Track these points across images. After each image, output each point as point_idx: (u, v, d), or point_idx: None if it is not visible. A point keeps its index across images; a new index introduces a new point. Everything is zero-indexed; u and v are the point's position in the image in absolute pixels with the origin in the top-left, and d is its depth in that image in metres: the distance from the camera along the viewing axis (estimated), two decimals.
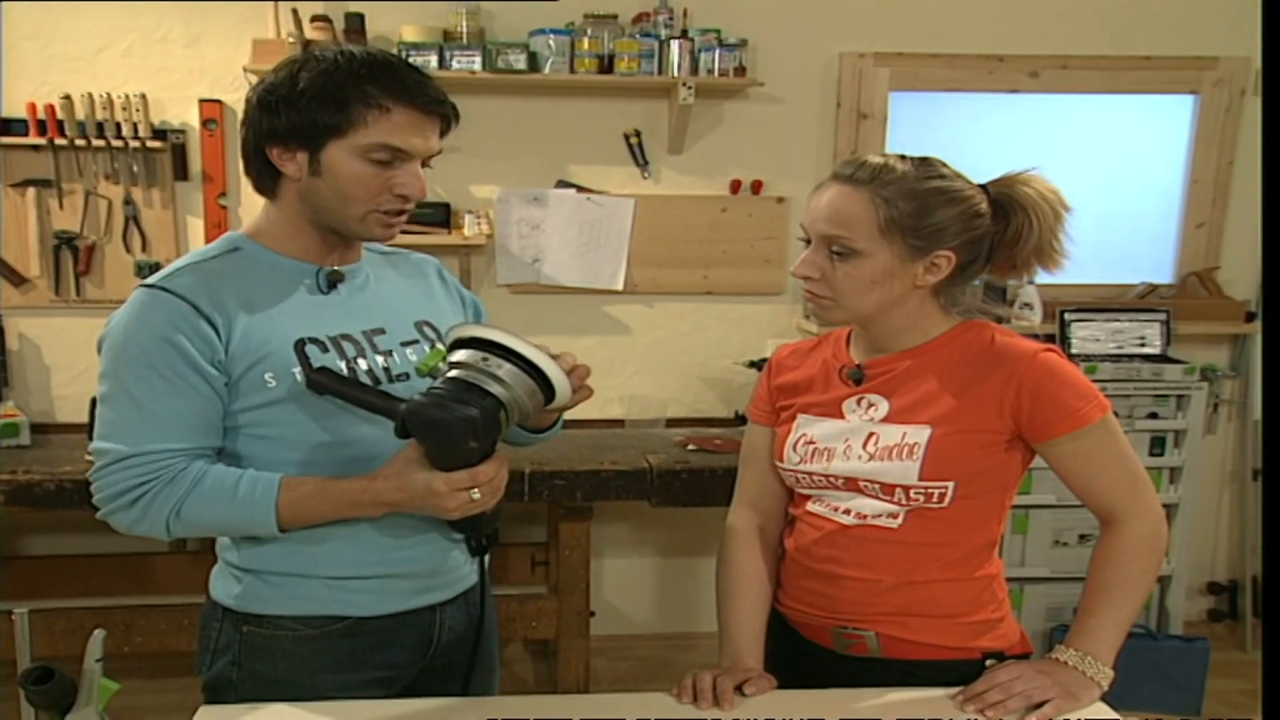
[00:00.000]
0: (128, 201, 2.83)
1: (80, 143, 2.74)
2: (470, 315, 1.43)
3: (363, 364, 1.21)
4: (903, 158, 1.20)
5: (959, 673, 1.22)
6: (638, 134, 2.97)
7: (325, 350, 1.19)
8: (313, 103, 1.11)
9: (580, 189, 2.98)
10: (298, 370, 1.16)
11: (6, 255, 2.82)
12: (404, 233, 2.81)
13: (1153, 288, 3.11)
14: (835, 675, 1.26)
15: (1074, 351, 2.79)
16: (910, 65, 3.01)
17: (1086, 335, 2.75)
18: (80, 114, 2.72)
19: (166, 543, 2.21)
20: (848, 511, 1.25)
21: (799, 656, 1.32)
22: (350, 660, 1.24)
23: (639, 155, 2.98)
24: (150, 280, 1.17)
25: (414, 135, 1.14)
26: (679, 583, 3.25)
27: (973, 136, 3.10)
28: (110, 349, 1.16)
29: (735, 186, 3.03)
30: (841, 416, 1.26)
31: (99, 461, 1.16)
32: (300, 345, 1.17)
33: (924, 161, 1.20)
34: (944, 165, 1.22)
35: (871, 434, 1.23)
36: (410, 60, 2.68)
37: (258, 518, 1.13)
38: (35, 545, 3.01)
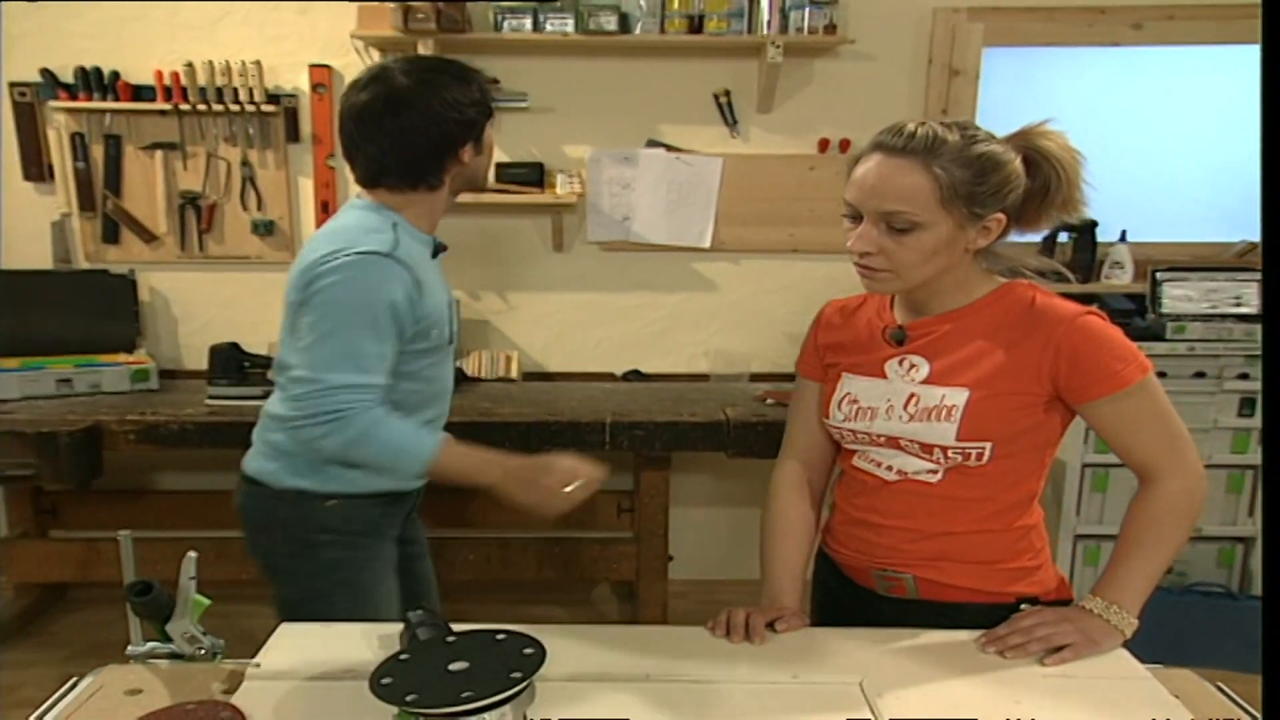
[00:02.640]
0: (244, 163, 3.01)
1: (201, 107, 2.92)
2: None
3: (455, 324, 1.63)
4: (941, 123, 1.19)
5: (993, 616, 1.25)
6: (727, 93, 3.00)
7: (453, 309, 1.60)
8: (481, 110, 1.55)
9: (670, 148, 3.04)
10: (448, 328, 1.56)
11: (137, 214, 3.03)
12: (499, 191, 2.94)
13: (1253, 245, 3.01)
14: (878, 615, 1.32)
15: (1164, 311, 2.74)
16: (1006, 19, 2.95)
17: (1179, 295, 2.69)
18: (201, 80, 2.90)
19: None
20: (890, 468, 1.29)
21: (846, 597, 1.38)
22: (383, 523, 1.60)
23: (728, 114, 3.01)
24: (378, 249, 1.42)
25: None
26: (754, 531, 3.32)
27: (1068, 92, 3.03)
28: (338, 298, 1.40)
29: (823, 145, 3.04)
30: (884, 376, 1.29)
31: (306, 387, 1.40)
32: (454, 305, 1.60)
33: (962, 126, 1.19)
34: (977, 127, 1.21)
35: (912, 395, 1.25)
36: (506, 22, 2.80)
37: (413, 466, 1.47)
38: (164, 481, 3.27)
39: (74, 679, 1.11)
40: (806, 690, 1.09)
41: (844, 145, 3.03)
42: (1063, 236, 2.93)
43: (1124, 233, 2.92)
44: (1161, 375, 2.77)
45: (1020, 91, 3.03)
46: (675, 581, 2.84)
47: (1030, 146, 1.20)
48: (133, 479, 3.23)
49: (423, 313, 1.48)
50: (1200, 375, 2.70)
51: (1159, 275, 2.74)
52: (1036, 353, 1.20)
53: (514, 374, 3.05)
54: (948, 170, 1.15)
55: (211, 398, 2.68)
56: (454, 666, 0.96)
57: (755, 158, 3.05)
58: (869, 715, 1.03)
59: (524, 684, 0.93)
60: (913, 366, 1.27)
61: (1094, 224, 2.89)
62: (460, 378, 2.84)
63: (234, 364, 2.68)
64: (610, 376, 3.17)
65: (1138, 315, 2.76)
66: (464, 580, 2.79)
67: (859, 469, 1.34)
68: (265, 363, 2.74)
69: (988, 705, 1.05)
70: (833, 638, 1.22)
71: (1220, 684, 1.15)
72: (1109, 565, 1.24)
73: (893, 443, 1.28)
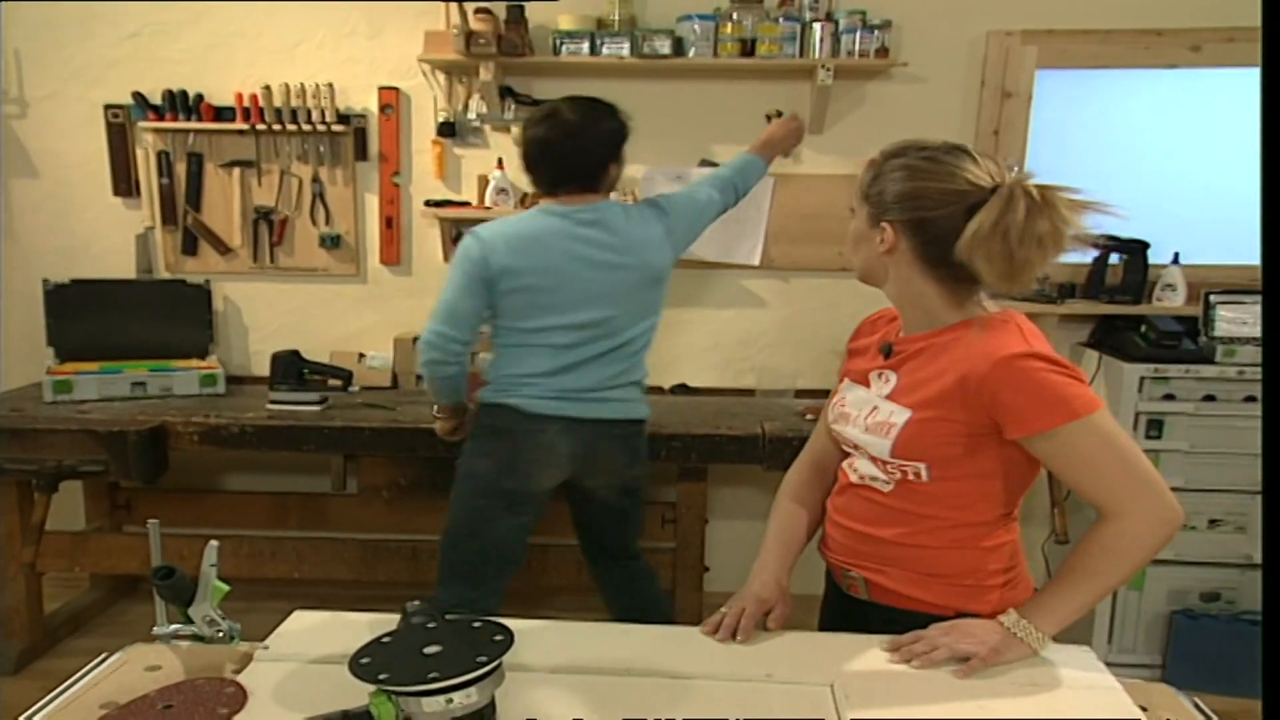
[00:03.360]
0: (315, 180, 3.17)
1: (277, 127, 3.09)
2: None
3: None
4: (956, 145, 1.25)
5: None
6: (779, 114, 3.05)
7: None
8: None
9: None
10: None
11: (214, 227, 3.21)
12: None
13: None
14: (842, 613, 1.41)
15: (1216, 334, 2.70)
16: (1060, 42, 2.96)
17: (1232, 318, 2.65)
18: (277, 102, 3.06)
19: (331, 486, 2.67)
20: (855, 470, 1.37)
21: (832, 594, 1.47)
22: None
23: None
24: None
25: None
26: None
27: (1122, 115, 3.02)
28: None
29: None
30: (868, 385, 1.37)
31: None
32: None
33: (953, 149, 1.24)
34: (969, 155, 1.23)
35: (875, 407, 1.32)
36: (564, 46, 2.90)
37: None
38: (231, 482, 3.42)
39: (104, 654, 1.21)
40: (777, 691, 1.13)
41: None
42: (1114, 258, 2.91)
43: (1176, 255, 2.89)
44: (1210, 399, 2.76)
45: (1073, 114, 3.03)
46: (711, 593, 2.87)
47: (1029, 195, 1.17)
48: (201, 479, 3.39)
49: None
50: (1251, 399, 2.65)
51: (1212, 298, 2.70)
52: (967, 386, 1.20)
53: None
54: (886, 169, 1.26)
55: (272, 402, 2.82)
56: (428, 650, 1.00)
57: (806, 178, 3.10)
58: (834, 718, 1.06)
59: (488, 667, 0.96)
60: (886, 380, 1.33)
61: (1146, 246, 2.87)
62: None
63: (294, 370, 2.82)
64: (658, 390, 3.23)
65: (1187, 338, 2.73)
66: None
67: (843, 469, 1.42)
68: (323, 370, 2.87)
69: (950, 710, 1.08)
70: (816, 641, 1.27)
71: (1198, 700, 1.15)
72: (1043, 589, 1.26)
73: (859, 448, 1.35)
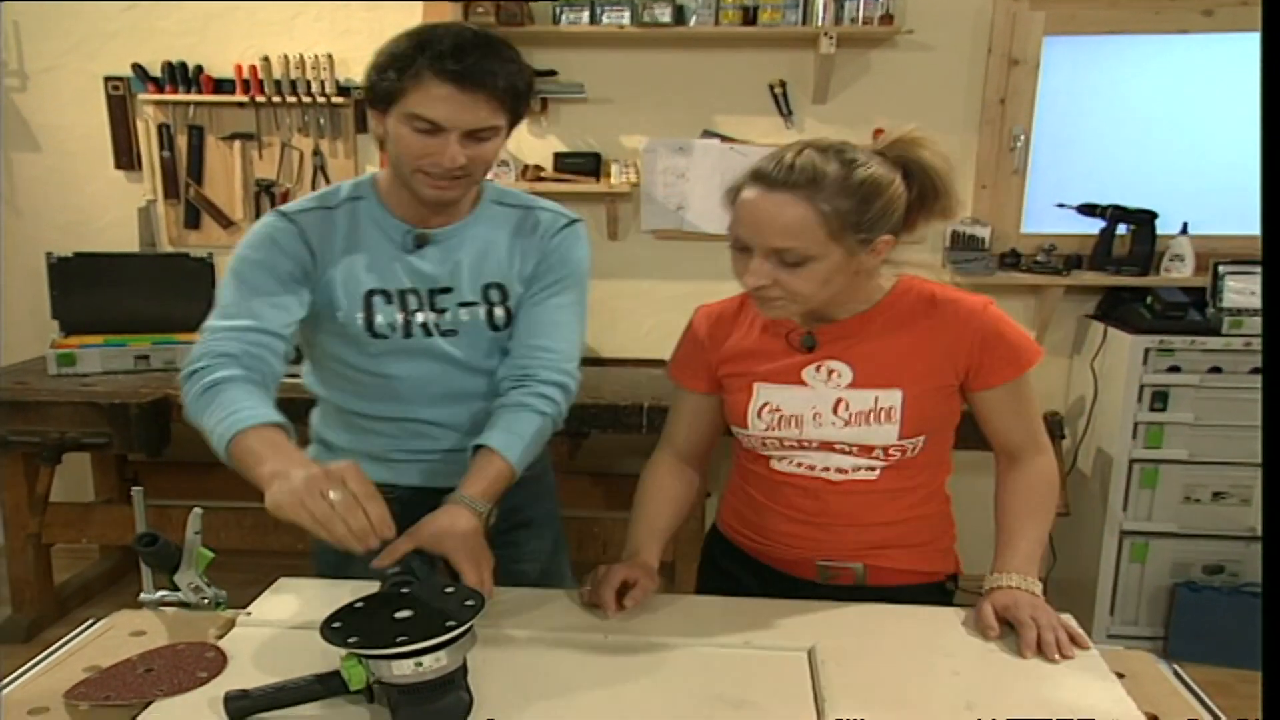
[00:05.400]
0: (316, 152, 3.16)
1: (277, 100, 3.07)
2: (550, 278, 1.46)
3: (419, 317, 1.41)
4: (820, 150, 1.17)
5: (929, 595, 1.35)
6: (782, 84, 3.02)
7: (389, 302, 1.40)
8: (386, 71, 1.26)
9: (724, 139, 3.07)
10: (360, 316, 1.39)
11: (216, 200, 3.21)
12: (556, 180, 3.02)
13: None
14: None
15: (1224, 305, 2.67)
16: (1068, 8, 2.91)
17: (1241, 288, 2.62)
18: (277, 73, 3.05)
19: None
20: (826, 469, 1.31)
21: (778, 591, 1.35)
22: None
23: (783, 105, 3.03)
24: (284, 209, 1.41)
25: (446, 108, 1.24)
26: None
27: (1132, 82, 2.96)
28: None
29: (878, 136, 3.02)
30: (803, 384, 1.30)
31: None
32: (369, 295, 1.39)
33: (840, 150, 1.18)
34: (854, 147, 1.19)
35: (840, 400, 1.27)
36: (564, 15, 2.86)
37: (217, 442, 1.21)
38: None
39: (91, 620, 1.22)
40: (754, 656, 1.14)
41: None
42: (1121, 228, 2.87)
43: (1185, 225, 2.85)
44: (1216, 371, 2.74)
45: (1081, 82, 2.98)
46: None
47: (906, 157, 1.20)
48: (208, 451, 3.40)
49: (322, 288, 1.39)
50: (1258, 371, 2.62)
51: (1221, 268, 2.67)
52: (951, 344, 1.26)
53: None
54: (832, 202, 1.14)
55: None
56: (400, 615, 1.01)
57: None
58: (811, 683, 1.07)
59: (457, 631, 0.97)
60: (833, 372, 1.29)
61: (1153, 216, 2.83)
62: None
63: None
64: (660, 363, 3.17)
65: (1194, 309, 2.70)
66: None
67: (785, 473, 1.35)
68: None
69: (927, 676, 1.09)
70: (792, 609, 1.26)
71: (1177, 667, 1.16)
72: (1004, 541, 1.28)
73: (826, 446, 1.30)
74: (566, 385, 1.43)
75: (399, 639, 0.94)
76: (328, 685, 0.99)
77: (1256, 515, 2.72)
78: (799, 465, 1.33)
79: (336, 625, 1.01)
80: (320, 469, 1.08)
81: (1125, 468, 2.75)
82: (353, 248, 1.40)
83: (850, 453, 1.30)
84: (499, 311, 1.44)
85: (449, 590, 1.09)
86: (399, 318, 1.40)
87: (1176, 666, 1.16)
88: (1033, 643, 1.14)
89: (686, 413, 1.45)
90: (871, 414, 1.26)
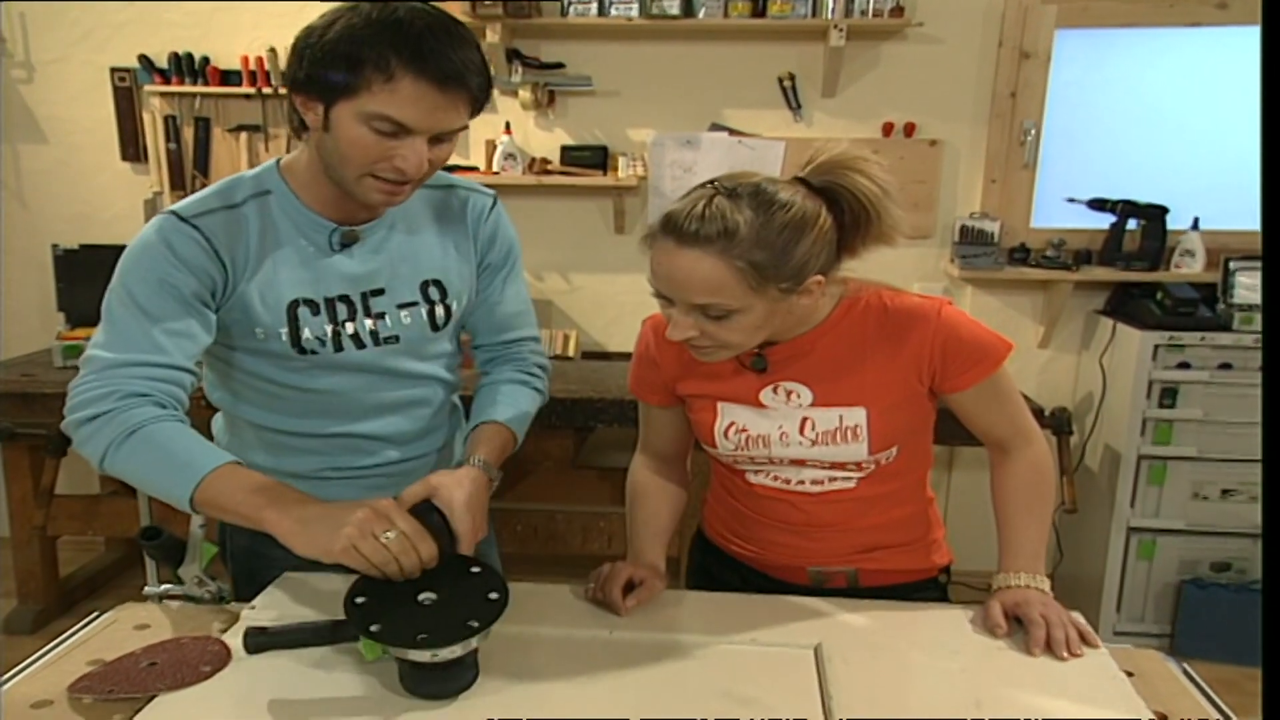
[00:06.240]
0: None
1: (283, 91, 3.05)
2: (497, 260, 1.40)
3: (350, 327, 1.24)
4: (732, 195, 1.07)
5: (924, 590, 1.34)
6: (791, 77, 3.00)
7: (316, 313, 1.23)
8: (331, 58, 1.06)
9: (733, 132, 3.05)
10: (284, 331, 1.21)
11: None
12: (563, 174, 3.00)
13: None
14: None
15: (1235, 301, 2.65)
16: (1080, 1, 2.88)
17: (1251, 284, 2.60)
18: (283, 65, 3.02)
19: None
20: (803, 481, 1.29)
21: (770, 591, 1.33)
22: None
23: (792, 98, 3.02)
24: (179, 210, 1.18)
25: (420, 110, 1.07)
26: None
27: (1143, 76, 2.94)
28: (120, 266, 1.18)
29: (888, 129, 3.02)
30: (761, 405, 1.25)
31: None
32: (293, 306, 1.21)
33: (755, 192, 1.08)
34: (770, 183, 1.10)
35: (806, 419, 1.23)
36: (572, 7, 2.84)
37: (175, 491, 1.09)
38: None
39: (96, 613, 1.21)
40: (760, 653, 1.12)
41: (909, 129, 3.00)
42: (1131, 224, 2.85)
43: (1196, 220, 2.83)
44: (1226, 367, 2.72)
45: (1093, 75, 2.95)
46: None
47: (833, 184, 1.11)
48: None
49: (237, 301, 1.21)
50: None
51: (1232, 264, 2.65)
52: (910, 355, 1.20)
53: (572, 353, 3.12)
54: (747, 256, 1.06)
55: None
56: (423, 597, 1.02)
57: (818, 142, 3.03)
58: (817, 680, 1.06)
59: (478, 636, 0.97)
60: (791, 392, 1.24)
61: (1164, 211, 2.81)
62: None
63: None
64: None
65: (1204, 305, 2.68)
66: (509, 552, 2.86)
67: (763, 486, 1.32)
68: None
69: (934, 674, 1.08)
70: (797, 606, 1.24)
71: (1187, 665, 1.14)
72: (1006, 538, 1.26)
73: (797, 463, 1.27)
74: (548, 368, 1.48)
75: (420, 637, 0.95)
76: (341, 631, 1.02)
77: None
78: (775, 479, 1.30)
79: (360, 602, 1.02)
80: (367, 508, 1.03)
81: (1133, 464, 2.73)
82: (268, 252, 1.20)
83: (822, 466, 1.27)
84: (439, 310, 1.32)
85: (475, 571, 1.09)
86: (328, 330, 1.24)
87: (1186, 665, 1.15)
88: (1042, 640, 1.12)
89: (656, 424, 1.41)
90: (837, 432, 1.22)
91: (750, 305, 1.10)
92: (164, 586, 1.25)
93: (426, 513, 1.12)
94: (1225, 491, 2.73)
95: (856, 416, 1.22)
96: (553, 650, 1.12)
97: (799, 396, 1.24)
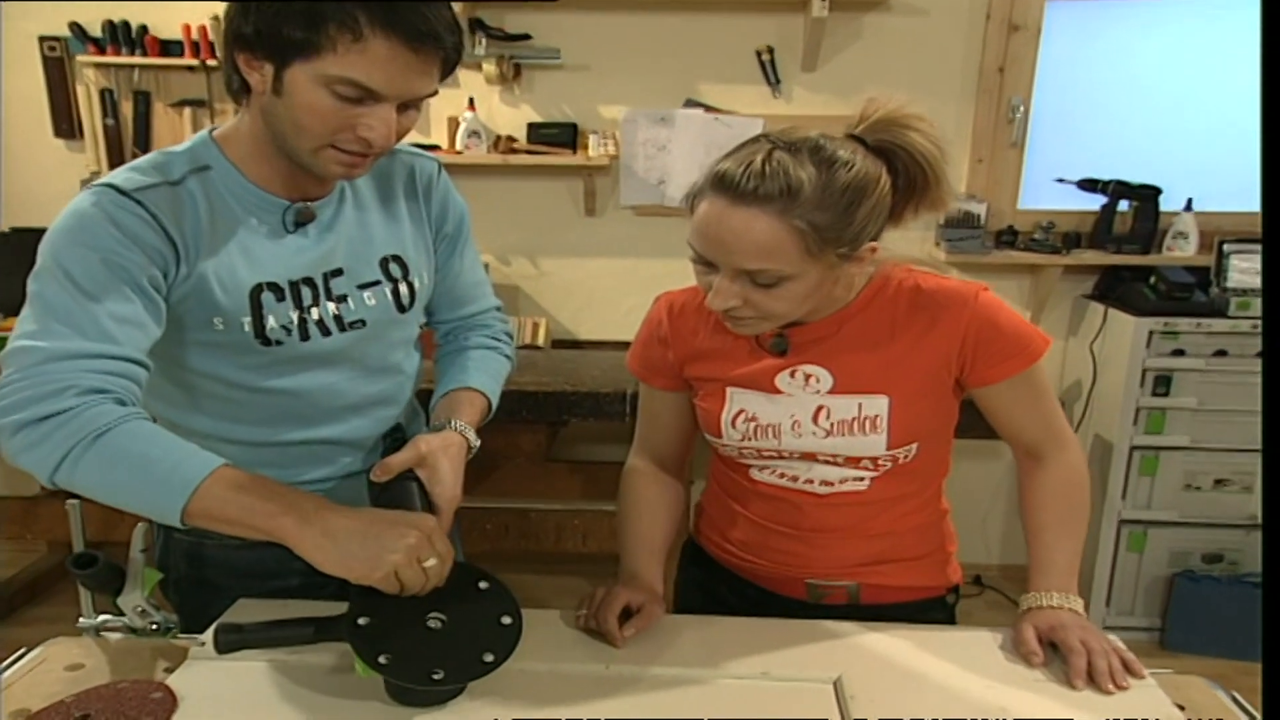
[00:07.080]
0: None
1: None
2: (452, 229, 1.30)
3: (315, 313, 1.13)
4: (792, 149, 0.99)
5: (930, 611, 1.25)
6: (770, 51, 2.86)
7: (281, 299, 1.10)
8: (286, 12, 0.93)
9: (709, 109, 2.91)
10: (247, 320, 1.08)
11: None
12: (530, 152, 2.84)
13: None
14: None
15: (1229, 285, 2.57)
16: None
17: (1247, 268, 2.52)
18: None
19: None
20: (810, 480, 1.20)
21: (764, 612, 1.24)
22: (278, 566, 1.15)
23: (771, 73, 2.88)
24: (116, 184, 1.02)
25: (391, 73, 0.96)
26: None
27: (1137, 50, 2.83)
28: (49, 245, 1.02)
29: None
30: (777, 391, 1.17)
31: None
32: (256, 292, 1.09)
33: (816, 149, 1.00)
34: (827, 139, 1.02)
35: (821, 407, 1.15)
36: None
37: (161, 503, 0.93)
38: None
39: (23, 650, 1.08)
40: (775, 688, 1.02)
41: None
42: (1123, 205, 2.76)
43: (1190, 201, 2.74)
44: (1221, 354, 2.65)
45: (1084, 49, 2.84)
46: None
47: (895, 143, 1.04)
48: None
49: (191, 289, 1.06)
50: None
51: (1226, 247, 2.57)
52: (943, 341, 1.13)
53: (541, 342, 2.98)
54: (809, 217, 0.98)
55: None
56: (431, 622, 0.95)
57: (798, 119, 2.90)
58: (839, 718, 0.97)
59: (494, 668, 0.92)
60: (810, 377, 1.15)
61: (1157, 191, 2.72)
62: None
63: None
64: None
65: (1198, 289, 2.60)
66: (480, 551, 2.75)
67: (766, 484, 1.23)
68: None
69: (969, 711, 0.98)
70: (813, 632, 1.15)
71: (1236, 695, 1.06)
72: (1037, 554, 1.16)
73: (808, 456, 1.18)
74: (513, 335, 1.42)
75: (434, 675, 0.90)
76: (324, 631, 0.95)
77: (1258, 503, 2.65)
78: (780, 475, 1.21)
79: (364, 624, 0.92)
80: (416, 533, 0.94)
81: (1125, 454, 2.67)
82: (220, 233, 1.07)
83: (835, 463, 1.17)
84: (404, 289, 1.20)
85: (483, 588, 1.02)
86: (293, 316, 1.11)
87: (1236, 694, 1.07)
88: (1083, 670, 1.03)
89: (657, 412, 1.32)
90: (855, 423, 1.14)
91: (804, 271, 1.02)
92: (101, 617, 1.11)
93: (406, 483, 1.06)
94: (1218, 481, 2.67)
95: (877, 406, 1.13)
96: (543, 687, 1.00)
97: (818, 381, 1.15)
